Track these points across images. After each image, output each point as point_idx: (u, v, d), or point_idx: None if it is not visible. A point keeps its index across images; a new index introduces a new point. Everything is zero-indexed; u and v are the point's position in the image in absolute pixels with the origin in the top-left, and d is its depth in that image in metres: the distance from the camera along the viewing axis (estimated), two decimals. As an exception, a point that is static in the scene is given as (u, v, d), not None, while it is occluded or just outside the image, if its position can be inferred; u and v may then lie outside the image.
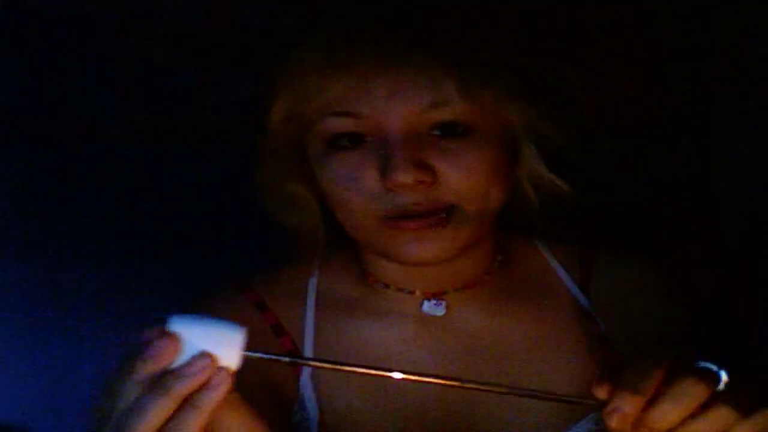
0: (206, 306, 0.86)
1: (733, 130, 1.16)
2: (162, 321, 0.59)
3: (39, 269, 1.19)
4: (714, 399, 0.59)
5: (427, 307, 0.84)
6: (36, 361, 1.19)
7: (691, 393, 0.59)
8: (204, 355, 0.58)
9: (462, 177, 0.76)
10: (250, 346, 0.83)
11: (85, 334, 1.20)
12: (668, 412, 0.59)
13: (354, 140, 0.76)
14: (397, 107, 0.75)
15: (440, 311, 0.83)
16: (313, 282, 0.88)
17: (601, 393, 0.61)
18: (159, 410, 0.56)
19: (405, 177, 0.73)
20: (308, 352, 0.84)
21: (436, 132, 0.76)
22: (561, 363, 0.83)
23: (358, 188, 0.76)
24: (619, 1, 0.80)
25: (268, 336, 0.84)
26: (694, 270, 1.03)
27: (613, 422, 0.60)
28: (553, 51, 0.82)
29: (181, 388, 0.57)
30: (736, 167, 1.16)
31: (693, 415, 0.59)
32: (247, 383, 0.83)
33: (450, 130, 0.76)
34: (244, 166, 0.91)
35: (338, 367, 0.63)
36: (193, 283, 1.15)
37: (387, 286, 0.85)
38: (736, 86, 1.12)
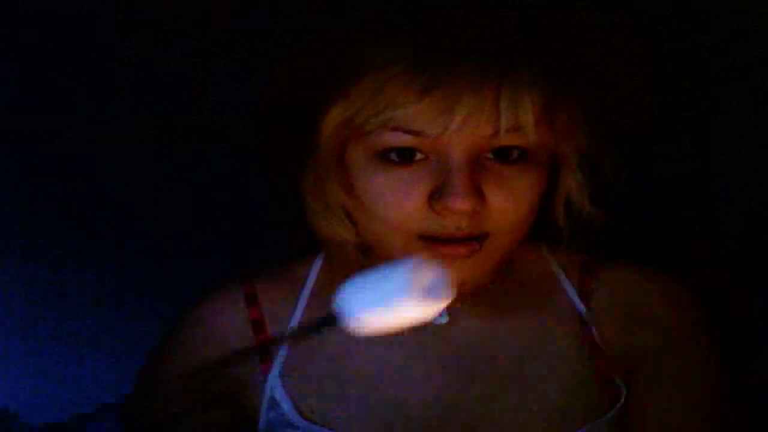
0: (208, 294, 0.88)
1: (733, 131, 1.16)
2: None
3: (39, 269, 1.20)
4: None
5: None
6: (36, 361, 1.19)
7: None
8: None
9: (508, 206, 0.73)
10: (227, 339, 0.84)
11: (85, 334, 1.20)
12: None
13: (404, 156, 0.72)
14: (469, 131, 0.70)
15: (443, 320, 0.83)
16: (311, 279, 0.87)
17: None
18: None
19: (463, 205, 0.70)
20: (284, 349, 0.84)
21: (492, 156, 0.72)
22: (552, 370, 0.82)
23: (401, 205, 0.72)
24: (618, 1, 0.80)
25: (247, 331, 0.85)
26: (694, 270, 1.04)
27: None
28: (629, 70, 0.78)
29: None
30: (735, 167, 1.16)
31: None
32: (212, 384, 0.84)
33: (506, 155, 0.72)
34: (244, 166, 0.91)
35: None
36: (193, 283, 1.16)
37: None
38: (736, 86, 1.12)
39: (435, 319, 0.83)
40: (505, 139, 0.71)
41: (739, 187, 1.16)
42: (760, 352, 1.08)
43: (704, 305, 0.88)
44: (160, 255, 1.21)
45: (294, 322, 0.85)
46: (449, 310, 0.83)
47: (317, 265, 0.88)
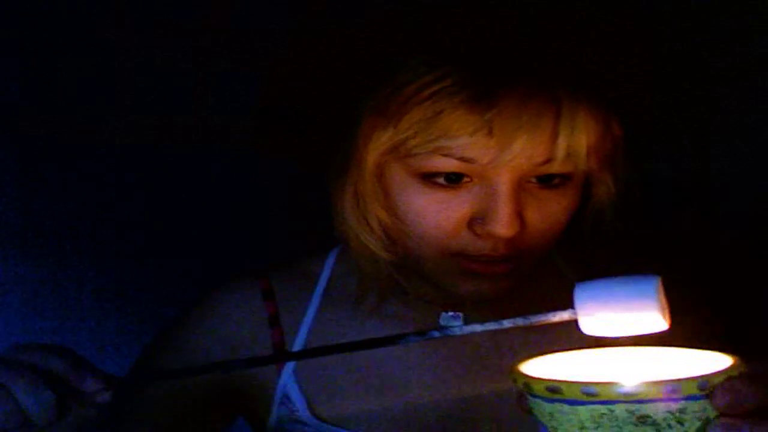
0: (222, 288, 0.87)
1: (733, 131, 1.16)
2: None
3: (39, 269, 1.20)
4: None
5: (444, 319, 0.83)
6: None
7: None
8: None
9: (545, 228, 0.73)
10: (245, 333, 0.84)
11: (85, 334, 1.21)
12: None
13: (450, 179, 0.71)
14: (519, 160, 0.69)
15: (457, 323, 0.82)
16: (325, 276, 0.87)
17: None
18: None
19: (507, 232, 0.70)
20: (299, 344, 0.84)
21: (534, 179, 0.72)
22: None
23: (442, 225, 0.72)
24: (618, 1, 0.80)
25: (263, 325, 0.85)
26: (694, 270, 1.04)
27: None
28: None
29: None
30: (735, 167, 1.16)
31: None
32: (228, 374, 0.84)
33: (549, 179, 0.72)
34: (244, 166, 0.91)
35: None
36: (193, 282, 1.15)
37: (405, 293, 0.84)
38: (736, 86, 1.12)
39: (448, 323, 0.83)
40: (556, 168, 0.71)
41: (739, 187, 1.16)
42: (761, 353, 1.08)
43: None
44: (160, 255, 1.21)
45: (308, 318, 0.85)
46: (462, 314, 0.83)
47: (330, 262, 0.88)
